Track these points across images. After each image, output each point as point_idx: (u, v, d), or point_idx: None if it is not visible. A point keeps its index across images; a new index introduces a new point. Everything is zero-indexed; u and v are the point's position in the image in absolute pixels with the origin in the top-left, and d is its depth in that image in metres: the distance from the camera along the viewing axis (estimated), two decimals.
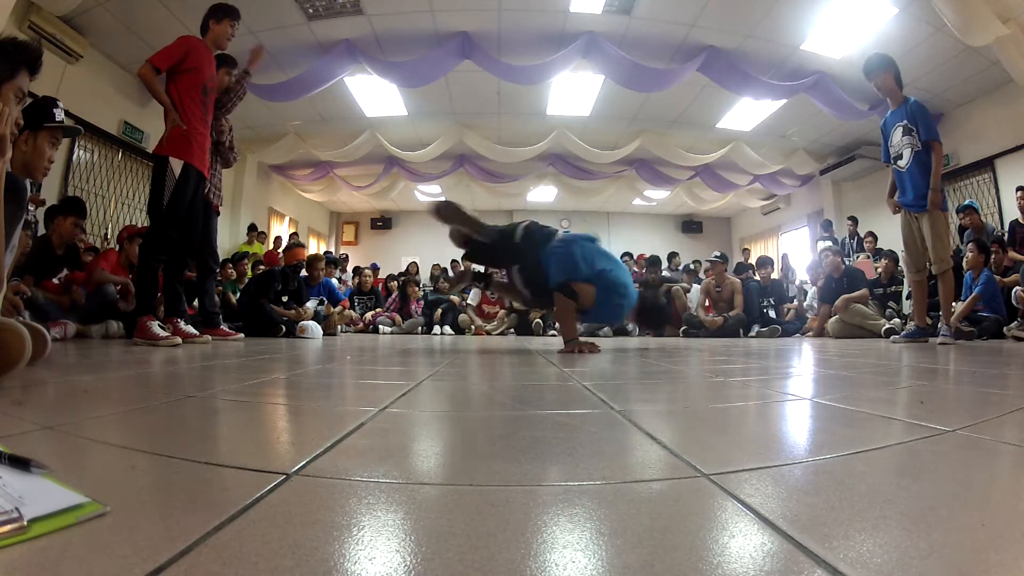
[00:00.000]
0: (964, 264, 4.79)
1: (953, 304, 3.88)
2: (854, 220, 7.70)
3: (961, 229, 5.78)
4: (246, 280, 6.01)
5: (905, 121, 3.53)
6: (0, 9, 3.54)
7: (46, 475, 0.47)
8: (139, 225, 5.41)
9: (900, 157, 3.60)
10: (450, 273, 9.20)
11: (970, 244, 4.85)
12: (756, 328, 5.90)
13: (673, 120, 7.78)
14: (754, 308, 6.09)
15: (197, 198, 3.27)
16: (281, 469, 0.56)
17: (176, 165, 3.05)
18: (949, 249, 3.54)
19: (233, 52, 3.72)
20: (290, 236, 9.22)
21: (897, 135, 3.59)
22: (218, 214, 3.95)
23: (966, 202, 5.86)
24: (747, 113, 7.43)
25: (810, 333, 5.92)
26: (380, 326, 7.10)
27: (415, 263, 9.92)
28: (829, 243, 6.94)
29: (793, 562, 0.35)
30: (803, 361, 2.39)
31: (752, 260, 8.81)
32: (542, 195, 11.47)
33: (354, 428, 0.78)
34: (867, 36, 5.36)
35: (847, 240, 7.56)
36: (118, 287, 4.05)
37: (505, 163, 8.74)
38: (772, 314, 6.19)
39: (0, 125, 1.24)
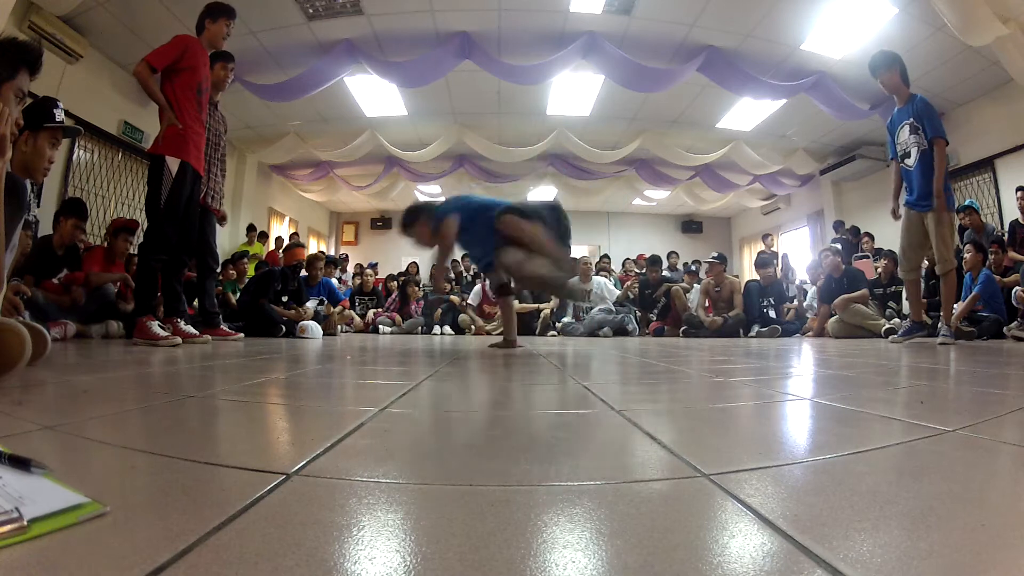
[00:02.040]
0: (963, 264, 4.80)
1: (954, 305, 3.87)
2: (856, 230, 7.73)
3: (961, 229, 5.77)
4: (246, 280, 6.01)
5: (911, 119, 3.50)
6: (0, 9, 3.54)
7: (46, 475, 0.47)
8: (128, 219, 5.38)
9: (907, 156, 3.56)
10: (451, 274, 9.19)
11: (967, 245, 4.85)
12: (756, 328, 5.90)
13: (673, 120, 7.78)
14: (754, 308, 6.09)
15: (194, 197, 3.26)
16: (281, 469, 0.56)
17: (172, 164, 3.04)
18: (952, 249, 3.52)
19: (230, 51, 3.72)
20: (290, 236, 9.22)
21: (904, 133, 3.55)
22: (224, 220, 3.96)
23: (966, 202, 5.86)
24: (747, 113, 7.43)
25: (810, 333, 5.92)
26: (380, 326, 7.10)
27: (415, 263, 9.92)
28: (839, 244, 6.94)
29: (793, 562, 0.35)
30: (803, 361, 2.39)
31: (774, 249, 8.80)
32: (542, 195, 11.46)
33: (354, 428, 0.78)
34: (867, 36, 5.36)
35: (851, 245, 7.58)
36: (117, 284, 4.06)
37: (505, 163, 8.74)
38: (772, 314, 6.18)
39: (0, 125, 1.24)
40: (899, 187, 3.70)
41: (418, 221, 2.99)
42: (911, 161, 3.53)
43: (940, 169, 3.36)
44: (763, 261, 6.63)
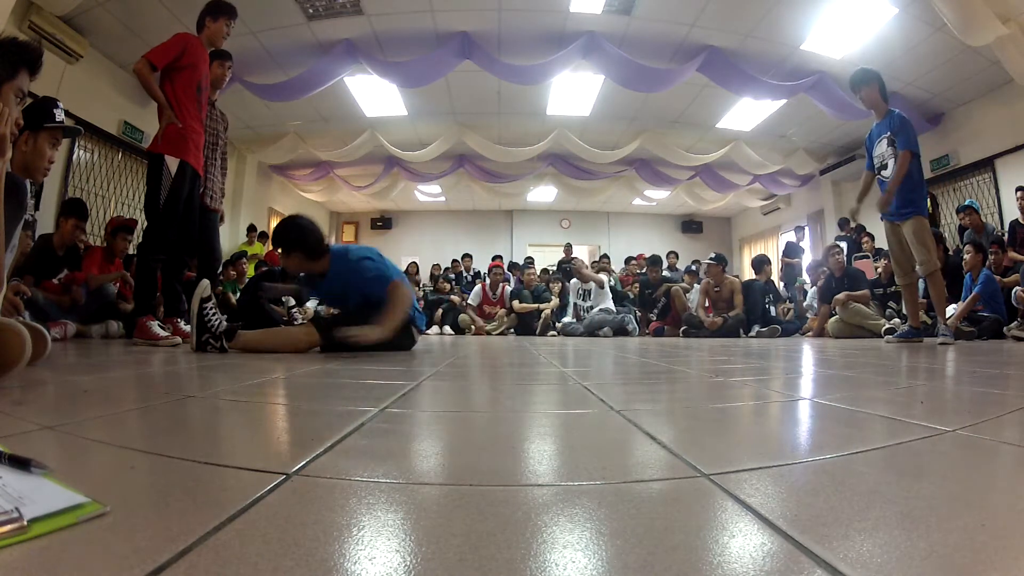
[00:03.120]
0: (963, 264, 4.81)
1: (952, 306, 3.89)
2: (860, 228, 7.72)
3: (961, 229, 5.78)
4: (246, 280, 6.01)
5: (889, 133, 3.62)
6: (0, 9, 3.54)
7: (46, 475, 0.47)
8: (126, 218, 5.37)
9: (884, 167, 3.68)
10: (451, 274, 9.21)
11: (967, 245, 4.86)
12: (756, 328, 5.89)
13: (673, 120, 7.78)
14: (757, 307, 6.07)
15: (194, 196, 3.25)
16: (281, 469, 0.56)
17: (172, 163, 3.02)
18: (933, 251, 3.58)
19: (229, 50, 3.72)
20: None
21: (881, 146, 3.68)
22: (221, 219, 3.94)
23: (966, 202, 5.86)
24: (747, 113, 7.43)
25: (810, 333, 5.92)
26: None
27: (415, 263, 9.92)
28: (843, 243, 6.93)
29: (793, 562, 0.35)
30: (803, 361, 2.39)
31: (802, 244, 8.79)
32: (542, 195, 11.47)
33: (354, 428, 0.78)
34: (867, 36, 5.36)
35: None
36: (117, 283, 4.06)
37: (505, 163, 8.74)
38: (772, 312, 6.16)
39: (0, 125, 1.24)
40: (864, 193, 3.89)
41: (302, 249, 2.59)
42: (887, 173, 3.65)
43: (900, 173, 3.51)
44: (791, 251, 6.54)
